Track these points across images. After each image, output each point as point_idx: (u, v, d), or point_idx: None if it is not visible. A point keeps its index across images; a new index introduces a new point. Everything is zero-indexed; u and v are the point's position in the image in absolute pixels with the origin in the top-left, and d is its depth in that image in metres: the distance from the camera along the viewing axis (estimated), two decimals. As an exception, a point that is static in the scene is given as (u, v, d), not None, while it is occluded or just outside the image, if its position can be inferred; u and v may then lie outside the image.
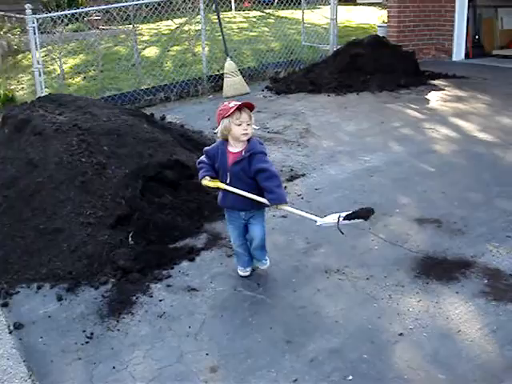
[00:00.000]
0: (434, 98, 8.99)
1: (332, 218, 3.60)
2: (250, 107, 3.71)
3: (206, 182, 3.81)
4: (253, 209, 3.83)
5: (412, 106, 8.58)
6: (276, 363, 3.22)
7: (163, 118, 8.05)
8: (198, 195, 5.16)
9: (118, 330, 3.62)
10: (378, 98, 9.12)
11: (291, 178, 5.84)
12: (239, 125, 3.64)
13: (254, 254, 4.04)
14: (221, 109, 3.70)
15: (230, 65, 10.13)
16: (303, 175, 5.94)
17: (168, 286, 4.07)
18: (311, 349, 3.31)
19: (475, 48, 12.92)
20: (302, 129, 7.61)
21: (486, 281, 3.87)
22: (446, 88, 9.70)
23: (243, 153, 3.71)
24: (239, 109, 3.63)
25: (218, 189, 3.84)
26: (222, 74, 10.22)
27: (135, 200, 4.84)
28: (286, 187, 5.61)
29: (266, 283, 4.02)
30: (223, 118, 3.66)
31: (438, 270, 4.03)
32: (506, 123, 7.47)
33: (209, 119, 8.27)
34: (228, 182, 3.74)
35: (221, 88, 10.15)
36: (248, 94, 9.96)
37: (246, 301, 3.82)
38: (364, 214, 3.53)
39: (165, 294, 3.97)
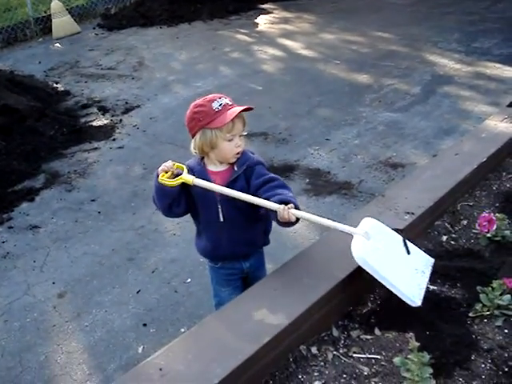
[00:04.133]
0: (263, 22, 9.30)
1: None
2: (246, 110, 2.32)
3: (165, 180, 2.25)
4: (257, 246, 2.59)
5: (242, 30, 8.83)
6: (120, 280, 3.43)
7: (-10, 66, 7.72)
8: (32, 138, 5.14)
9: (-38, 275, 3.65)
10: (209, 26, 9.28)
11: (126, 111, 5.94)
12: (230, 140, 2.28)
13: None
14: (197, 110, 2.26)
15: (56, 5, 9.78)
16: (138, 106, 6.05)
17: (9, 227, 4.11)
18: (152, 262, 3.55)
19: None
20: (136, 62, 7.65)
21: (307, 180, 4.27)
22: (274, 11, 10.03)
23: (235, 167, 2.34)
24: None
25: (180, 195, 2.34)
26: (50, 16, 9.86)
27: (-35, 149, 4.75)
28: (121, 120, 5.71)
29: (106, 210, 4.17)
30: (203, 126, 2.25)
31: (265, 176, 4.37)
32: (328, 39, 7.94)
33: (40, 62, 8.06)
34: (221, 219, 2.36)
35: (50, 30, 9.81)
36: (79, 33, 9.72)
37: (88, 230, 3.97)
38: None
39: (7, 236, 4.01)
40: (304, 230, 3.67)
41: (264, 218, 2.44)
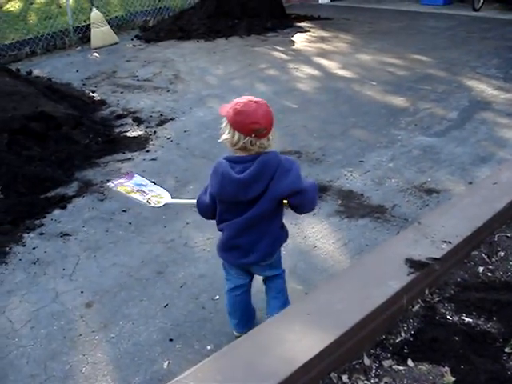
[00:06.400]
0: (299, 40, 9.32)
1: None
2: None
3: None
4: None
5: (278, 47, 8.86)
6: (148, 293, 3.41)
7: (29, 72, 7.84)
8: (67, 145, 5.19)
9: (-7, 279, 3.68)
10: (246, 42, 9.33)
11: (160, 123, 5.97)
12: None
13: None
14: (242, 110, 2.45)
15: (96, 15, 9.93)
16: (172, 119, 6.08)
17: (41, 234, 4.13)
18: (181, 276, 3.53)
19: (340, -10, 13.34)
20: (172, 75, 7.71)
21: (340, 201, 4.23)
22: (311, 29, 10.06)
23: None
24: None
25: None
26: (90, 25, 10.00)
27: (1, 154, 4.79)
28: (155, 132, 5.74)
29: (137, 222, 4.18)
30: (249, 131, 2.44)
31: (297, 196, 4.34)
32: (364, 60, 7.91)
33: (77, 71, 8.18)
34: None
35: (89, 39, 9.96)
36: (117, 43, 9.86)
37: (118, 240, 3.97)
38: None
39: (38, 242, 4.04)
40: (335, 252, 3.63)
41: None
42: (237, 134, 2.46)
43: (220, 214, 2.69)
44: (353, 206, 4.16)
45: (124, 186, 3.19)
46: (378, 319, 2.14)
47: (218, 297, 3.31)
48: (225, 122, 2.52)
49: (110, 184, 3.28)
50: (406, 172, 4.60)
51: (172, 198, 3.21)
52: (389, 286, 2.16)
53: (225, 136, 2.51)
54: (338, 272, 3.28)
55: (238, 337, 2.73)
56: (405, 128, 5.46)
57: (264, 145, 2.50)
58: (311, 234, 3.85)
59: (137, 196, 3.13)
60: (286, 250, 3.68)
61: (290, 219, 3.98)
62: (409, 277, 2.30)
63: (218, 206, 2.67)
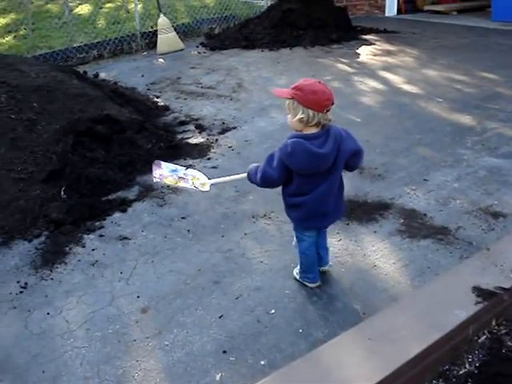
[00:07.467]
0: (364, 52, 9.23)
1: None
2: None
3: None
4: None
5: (343, 60, 8.78)
6: (203, 302, 3.40)
7: (96, 75, 8.01)
8: (130, 149, 5.25)
9: (52, 279, 3.72)
10: (310, 53, 9.29)
11: (222, 131, 5.98)
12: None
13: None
14: (317, 89, 2.84)
15: (163, 21, 10.07)
16: (234, 128, 6.08)
17: (100, 236, 4.18)
18: (237, 287, 3.50)
19: (407, 4, 13.20)
20: (235, 83, 7.73)
21: (402, 220, 4.13)
22: (377, 42, 9.94)
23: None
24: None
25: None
26: (156, 31, 10.16)
27: (66, 155, 4.89)
28: (217, 140, 5.75)
29: (195, 230, 4.17)
30: (323, 108, 2.85)
31: (358, 212, 4.27)
32: (431, 76, 7.76)
33: (142, 76, 8.31)
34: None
35: (155, 45, 10.11)
36: (182, 50, 9.98)
37: (176, 247, 3.98)
38: None
39: (97, 244, 4.08)
40: (395, 272, 3.53)
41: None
42: (311, 112, 2.80)
43: (298, 187, 3.02)
44: (415, 225, 4.05)
45: (166, 178, 3.47)
46: (442, 349, 2.05)
47: (273, 311, 3.27)
48: (293, 104, 2.86)
49: (155, 179, 3.49)
50: (472, 193, 4.46)
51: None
52: (455, 314, 2.07)
53: (299, 116, 2.82)
54: (400, 295, 3.19)
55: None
56: (471, 147, 5.31)
57: (328, 118, 2.89)
58: (371, 253, 3.77)
59: (183, 184, 3.46)
60: (344, 267, 3.62)
61: (349, 236, 3.94)
62: (476, 306, 2.21)
63: (296, 179, 2.99)
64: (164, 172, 3.51)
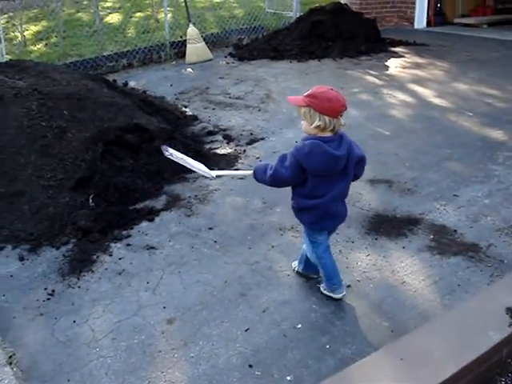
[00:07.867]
0: (394, 65, 9.18)
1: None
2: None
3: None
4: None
5: (371, 72, 8.74)
6: (230, 314, 3.37)
7: (126, 84, 8.05)
8: (158, 158, 5.25)
9: (79, 287, 3.73)
10: (339, 65, 9.27)
11: (250, 142, 5.97)
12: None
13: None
14: (331, 97, 2.98)
15: (192, 31, 10.13)
16: (262, 139, 6.07)
17: (128, 244, 4.18)
18: (264, 300, 3.48)
19: (437, 16, 13.08)
20: (263, 94, 7.73)
21: (431, 236, 4.07)
22: (406, 55, 9.88)
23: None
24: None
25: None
26: (185, 41, 10.21)
27: (95, 163, 4.91)
28: (245, 151, 5.75)
29: (222, 241, 4.16)
30: (337, 114, 2.99)
31: (387, 226, 4.22)
32: (461, 89, 7.68)
33: (171, 85, 8.35)
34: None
35: (184, 54, 10.16)
36: (211, 60, 10.02)
37: (203, 258, 3.96)
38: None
39: (124, 253, 4.09)
40: (425, 289, 3.48)
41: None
42: (327, 118, 2.94)
43: (312, 188, 3.09)
44: (445, 242, 3.99)
45: (176, 158, 3.73)
46: (475, 371, 2.00)
47: (300, 326, 3.23)
48: (309, 111, 2.97)
49: (166, 153, 3.80)
50: (503, 210, 4.39)
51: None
52: (489, 336, 2.02)
53: (317, 123, 2.95)
54: (429, 313, 3.14)
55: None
56: (502, 163, 5.23)
57: (341, 123, 3.02)
58: (400, 269, 3.72)
59: (191, 164, 3.66)
60: (372, 282, 3.58)
61: (378, 251, 3.89)
62: (510, 328, 2.15)
63: (311, 180, 3.06)
64: (173, 152, 3.77)
